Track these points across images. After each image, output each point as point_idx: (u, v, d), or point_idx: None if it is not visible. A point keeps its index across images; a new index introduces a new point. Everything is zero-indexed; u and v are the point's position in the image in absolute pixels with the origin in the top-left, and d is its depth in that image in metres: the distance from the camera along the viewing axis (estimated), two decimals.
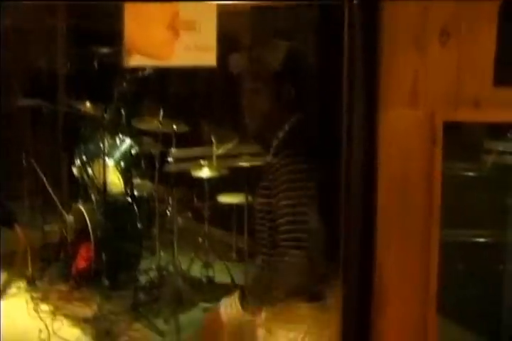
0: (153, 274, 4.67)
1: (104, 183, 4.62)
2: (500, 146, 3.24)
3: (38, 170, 5.17)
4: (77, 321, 4.15)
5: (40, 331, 3.99)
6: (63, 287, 4.63)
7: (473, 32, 1.65)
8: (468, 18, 1.65)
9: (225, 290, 4.55)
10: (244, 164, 4.46)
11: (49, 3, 6.09)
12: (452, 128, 1.89)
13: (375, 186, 1.60)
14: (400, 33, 1.62)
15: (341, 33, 1.89)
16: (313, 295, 1.97)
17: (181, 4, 1.16)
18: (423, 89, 1.62)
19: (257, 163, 4.27)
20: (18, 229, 1.51)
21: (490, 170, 3.22)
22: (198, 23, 1.19)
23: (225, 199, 4.89)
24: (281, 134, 2.04)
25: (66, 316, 4.22)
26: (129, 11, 1.15)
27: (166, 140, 4.78)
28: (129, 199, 4.80)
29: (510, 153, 3.24)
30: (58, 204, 5.12)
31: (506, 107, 1.65)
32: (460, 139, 3.12)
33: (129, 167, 4.88)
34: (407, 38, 1.62)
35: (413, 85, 1.62)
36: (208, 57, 1.20)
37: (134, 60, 1.16)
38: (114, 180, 4.85)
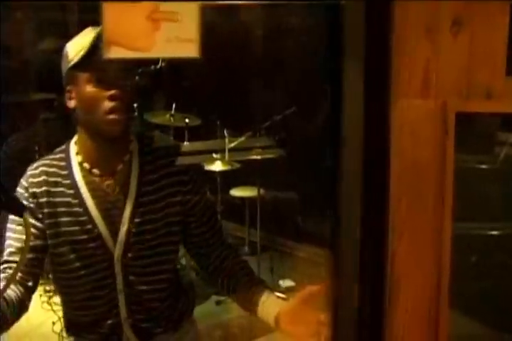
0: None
1: None
2: None
3: None
4: None
5: (54, 324, 4.01)
6: None
7: (486, 22, 1.64)
8: (480, 7, 1.64)
9: None
10: (256, 157, 4.47)
11: None
12: (465, 120, 1.88)
13: (388, 177, 1.60)
14: (411, 23, 1.61)
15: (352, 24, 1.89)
16: None
17: None
18: (435, 79, 1.61)
19: (269, 155, 4.27)
20: (27, 220, 1.52)
21: (503, 162, 3.21)
22: (180, 14, 1.19)
23: (237, 192, 4.89)
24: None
25: None
26: (107, 2, 1.15)
27: (178, 133, 4.80)
28: None
29: None
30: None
31: None
32: (473, 131, 3.11)
33: None
34: (418, 28, 1.61)
35: (425, 76, 1.61)
36: (190, 49, 1.20)
37: (113, 52, 1.16)
38: None
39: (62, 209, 1.93)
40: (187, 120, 4.69)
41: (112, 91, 1.84)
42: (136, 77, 1.98)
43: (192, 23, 1.18)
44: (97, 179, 1.96)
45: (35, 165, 2.03)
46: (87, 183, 1.95)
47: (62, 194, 1.93)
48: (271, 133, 4.63)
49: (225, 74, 5.48)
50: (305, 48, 4.76)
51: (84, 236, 1.94)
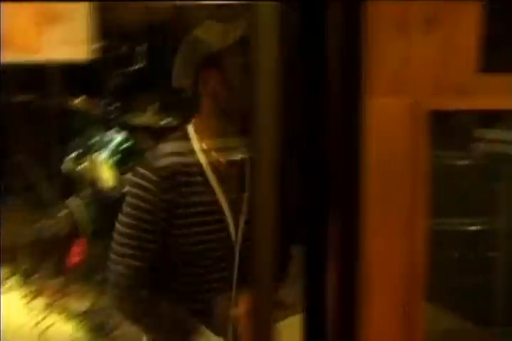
0: None
1: (96, 178, 4.61)
2: (490, 134, 3.25)
3: (30, 166, 5.16)
4: (72, 316, 4.14)
5: (35, 326, 3.99)
6: (57, 282, 4.63)
7: (458, 19, 1.65)
8: (451, 5, 1.64)
9: None
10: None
11: None
12: (441, 117, 1.89)
13: (361, 176, 1.60)
14: (383, 21, 1.61)
15: (323, 22, 1.89)
16: None
17: None
18: (407, 77, 1.61)
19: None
20: None
21: (480, 158, 3.23)
22: (70, 16, 1.17)
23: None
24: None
25: (60, 311, 4.22)
26: (3, 3, 1.14)
27: (158, 134, 4.78)
28: (122, 194, 4.79)
29: (499, 141, 3.24)
30: (50, 199, 5.13)
31: (492, 94, 1.65)
32: (450, 128, 3.13)
33: (122, 162, 4.87)
34: (390, 26, 1.61)
35: (397, 73, 1.61)
36: (80, 51, 1.19)
37: (8, 56, 1.14)
38: (107, 175, 4.84)
39: (194, 198, 1.91)
40: (167, 120, 4.68)
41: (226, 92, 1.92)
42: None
43: (82, 24, 1.16)
44: (220, 165, 1.98)
45: (157, 156, 1.94)
46: (212, 168, 1.96)
47: (192, 183, 1.91)
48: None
49: None
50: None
51: (213, 227, 1.95)
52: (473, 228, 3.30)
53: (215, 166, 1.94)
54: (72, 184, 5.21)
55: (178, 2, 5.44)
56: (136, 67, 5.00)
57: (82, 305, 4.24)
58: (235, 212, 1.94)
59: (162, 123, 4.67)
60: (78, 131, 5.30)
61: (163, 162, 1.86)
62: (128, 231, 1.89)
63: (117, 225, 1.90)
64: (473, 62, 1.65)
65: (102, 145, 4.79)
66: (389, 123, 1.59)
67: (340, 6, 1.81)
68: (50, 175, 6.14)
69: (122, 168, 4.85)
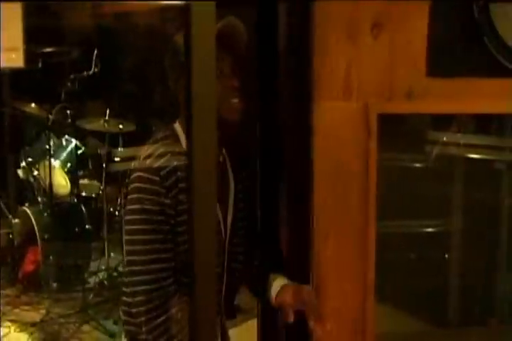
0: (102, 275, 4.62)
1: (50, 185, 4.55)
2: (444, 137, 3.29)
3: None
4: (25, 326, 4.07)
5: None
6: (10, 292, 4.55)
7: (405, 23, 1.66)
8: (399, 9, 1.66)
9: None
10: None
11: None
12: (394, 120, 1.90)
13: (311, 179, 1.60)
14: (332, 25, 1.62)
15: (274, 25, 1.89)
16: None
17: None
18: (356, 81, 1.62)
19: None
20: None
21: (434, 160, 3.26)
22: (1, 23, 1.14)
23: None
24: None
25: (13, 321, 4.14)
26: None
27: (112, 139, 4.75)
28: (77, 201, 4.74)
29: (453, 143, 3.28)
30: (3, 207, 5.04)
31: (439, 98, 1.67)
32: (403, 131, 3.16)
33: (76, 168, 4.81)
34: (339, 30, 1.62)
35: (346, 77, 1.62)
36: (14, 59, 1.16)
37: None
38: (61, 182, 4.78)
39: (181, 195, 1.85)
40: (121, 126, 4.64)
41: (234, 81, 1.81)
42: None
43: (15, 31, 1.13)
44: None
45: (151, 157, 1.86)
46: None
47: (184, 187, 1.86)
48: None
49: (157, 79, 5.44)
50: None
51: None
52: (428, 230, 3.33)
53: None
54: (26, 191, 5.14)
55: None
56: (90, 72, 4.94)
57: (36, 314, 4.17)
58: (223, 211, 1.92)
59: (116, 128, 4.61)
60: (31, 138, 5.22)
61: (159, 162, 1.81)
62: (142, 237, 1.81)
63: (127, 236, 1.81)
64: (422, 65, 1.67)
65: (56, 152, 4.73)
66: (339, 126, 1.59)
67: (290, 7, 1.82)
68: (4, 182, 6.05)
69: (76, 174, 4.80)
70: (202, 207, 1.00)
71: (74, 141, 4.88)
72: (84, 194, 4.83)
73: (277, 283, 1.76)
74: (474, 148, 3.26)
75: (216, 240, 1.75)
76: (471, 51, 1.76)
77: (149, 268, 1.78)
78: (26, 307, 4.31)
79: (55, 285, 4.37)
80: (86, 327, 4.04)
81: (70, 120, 4.94)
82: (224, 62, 1.80)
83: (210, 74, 0.97)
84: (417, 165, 3.39)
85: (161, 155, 1.82)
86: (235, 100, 1.80)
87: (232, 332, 2.02)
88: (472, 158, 3.27)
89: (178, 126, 1.95)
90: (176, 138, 1.91)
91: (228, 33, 1.74)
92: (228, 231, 1.91)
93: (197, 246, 1.00)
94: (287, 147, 1.81)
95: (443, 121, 3.25)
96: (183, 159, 1.84)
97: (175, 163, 1.81)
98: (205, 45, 0.96)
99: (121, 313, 1.96)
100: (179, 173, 1.80)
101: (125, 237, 1.84)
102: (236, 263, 1.94)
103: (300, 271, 1.63)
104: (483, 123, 3.19)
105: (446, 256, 3.10)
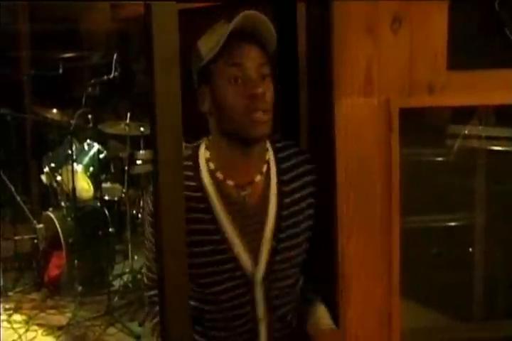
0: (126, 278, 4.64)
1: (74, 189, 4.57)
2: (465, 130, 3.27)
3: (6, 179, 5.11)
4: (52, 329, 4.10)
5: None
6: (36, 296, 4.58)
7: (425, 18, 1.65)
8: (419, 4, 1.65)
9: None
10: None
11: (11, 6, 6.03)
12: (415, 115, 1.89)
13: (334, 176, 1.59)
14: (351, 22, 1.61)
15: (293, 25, 1.89)
16: None
17: None
18: (377, 76, 1.62)
19: None
20: None
21: (456, 154, 3.24)
22: None
23: None
24: None
25: (40, 325, 4.16)
26: None
27: (134, 142, 4.76)
28: (100, 204, 4.76)
29: (474, 136, 3.27)
30: (28, 212, 5.07)
31: (460, 91, 1.65)
32: (424, 125, 3.14)
33: (98, 171, 4.84)
34: (359, 26, 1.62)
35: (367, 73, 1.61)
36: None
37: None
38: (84, 186, 4.81)
39: (193, 226, 1.63)
40: (142, 128, 4.66)
41: (255, 89, 1.55)
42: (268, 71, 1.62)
43: None
44: (231, 191, 1.67)
45: None
46: (221, 196, 1.66)
47: (192, 208, 1.65)
48: None
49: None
50: None
51: (219, 257, 1.65)
52: (452, 223, 3.31)
53: (224, 192, 1.67)
54: (50, 196, 5.17)
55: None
56: (111, 76, 4.96)
57: (62, 318, 4.20)
58: (251, 245, 1.65)
59: (137, 131, 4.63)
60: (54, 143, 5.26)
61: None
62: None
63: (148, 245, 1.71)
64: (442, 59, 1.66)
65: (78, 156, 4.76)
66: (360, 122, 1.59)
67: (309, 7, 1.82)
68: (28, 188, 6.09)
69: (99, 178, 4.83)
70: (169, 220, 1.00)
71: (96, 145, 4.91)
72: (107, 197, 4.85)
73: (317, 320, 1.63)
74: (496, 140, 3.24)
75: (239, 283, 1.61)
76: (492, 43, 1.74)
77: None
78: (52, 311, 4.35)
79: (80, 288, 4.39)
80: (111, 330, 4.07)
81: (91, 124, 4.97)
82: (243, 66, 1.57)
83: (174, 77, 0.97)
84: (439, 159, 3.37)
85: None
86: (257, 114, 1.55)
87: None
88: (494, 150, 3.25)
89: (202, 146, 1.73)
90: (194, 162, 1.71)
91: (248, 30, 1.55)
92: (262, 269, 1.65)
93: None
94: (310, 146, 1.80)
95: (464, 115, 3.24)
96: (192, 188, 1.66)
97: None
98: (167, 45, 0.96)
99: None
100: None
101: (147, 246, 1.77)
102: (280, 299, 1.68)
103: (325, 270, 1.62)
104: (505, 116, 3.17)
105: (470, 249, 3.08)
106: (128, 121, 4.68)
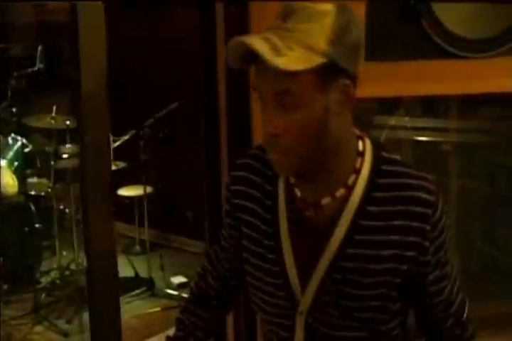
0: (54, 274, 4.55)
1: None
2: (392, 121, 3.30)
3: None
4: None
5: None
6: None
7: None
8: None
9: (131, 284, 4.50)
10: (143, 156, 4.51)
11: None
12: None
13: None
14: (269, 21, 1.60)
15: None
16: None
17: None
18: None
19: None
20: None
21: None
22: None
23: (125, 192, 4.84)
24: None
25: None
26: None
27: (60, 136, 4.68)
28: (25, 200, 4.66)
29: (401, 127, 3.31)
30: None
31: (379, 82, 1.66)
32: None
33: (23, 166, 4.73)
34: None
35: None
36: None
37: None
38: (9, 181, 4.69)
39: (254, 234, 1.46)
40: (68, 122, 4.56)
41: (265, 125, 1.28)
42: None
43: None
44: (299, 208, 1.41)
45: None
46: (288, 210, 1.42)
47: (256, 213, 1.46)
48: (154, 131, 4.59)
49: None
50: None
51: (269, 278, 1.44)
52: None
53: (292, 207, 1.42)
54: None
55: None
56: (36, 68, 4.85)
57: None
58: (306, 268, 1.39)
59: (63, 125, 4.53)
60: None
61: (238, 170, 1.47)
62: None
63: None
64: None
65: (2, 151, 4.63)
66: None
67: (226, 6, 1.80)
68: None
69: (24, 173, 4.72)
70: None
71: (20, 139, 4.80)
72: (33, 192, 4.75)
73: None
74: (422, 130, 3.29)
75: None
76: (409, 34, 1.76)
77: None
78: None
79: (5, 286, 4.30)
80: (39, 328, 3.99)
81: (15, 118, 4.85)
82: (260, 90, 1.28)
83: (100, 78, 0.95)
84: None
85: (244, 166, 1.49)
86: (271, 155, 1.30)
87: None
88: (420, 141, 3.30)
89: None
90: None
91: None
92: (310, 297, 1.39)
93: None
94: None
95: (389, 106, 3.27)
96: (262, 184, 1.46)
97: (248, 181, 1.45)
98: (93, 45, 0.94)
99: None
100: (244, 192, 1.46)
101: None
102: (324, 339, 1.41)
103: None
104: (431, 106, 3.23)
105: None
106: (54, 114, 4.58)
